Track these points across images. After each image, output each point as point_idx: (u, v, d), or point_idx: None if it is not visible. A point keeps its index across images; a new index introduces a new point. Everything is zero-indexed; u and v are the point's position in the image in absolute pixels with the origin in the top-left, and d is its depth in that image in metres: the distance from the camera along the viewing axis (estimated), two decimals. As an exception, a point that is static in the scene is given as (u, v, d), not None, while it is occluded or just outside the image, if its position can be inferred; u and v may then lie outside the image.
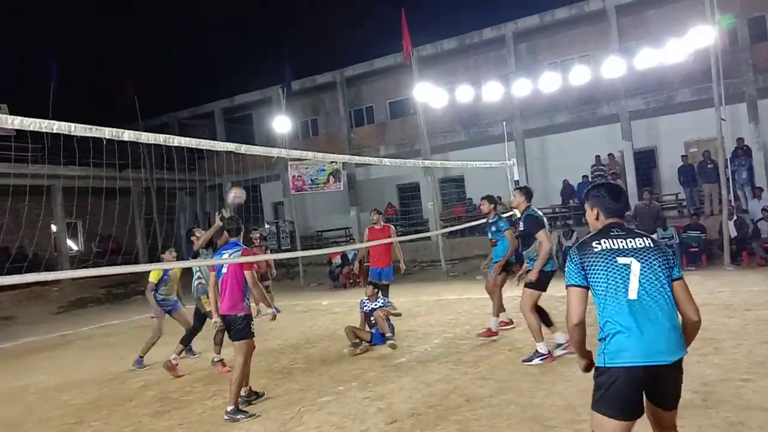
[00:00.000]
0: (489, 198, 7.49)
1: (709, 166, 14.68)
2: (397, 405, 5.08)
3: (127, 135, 4.17)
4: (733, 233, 12.41)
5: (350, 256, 16.52)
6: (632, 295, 2.59)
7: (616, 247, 2.68)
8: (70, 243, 22.17)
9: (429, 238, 17.33)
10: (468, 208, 19.86)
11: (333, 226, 22.71)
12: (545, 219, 6.32)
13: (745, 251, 12.29)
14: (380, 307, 7.62)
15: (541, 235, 6.02)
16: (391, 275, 8.76)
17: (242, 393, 5.46)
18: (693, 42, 11.99)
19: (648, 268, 2.62)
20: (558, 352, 6.04)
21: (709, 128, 13.24)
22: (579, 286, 2.70)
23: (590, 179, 17.06)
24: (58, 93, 20.88)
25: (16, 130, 5.42)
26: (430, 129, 18.10)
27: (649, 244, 2.70)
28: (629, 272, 2.61)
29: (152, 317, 7.80)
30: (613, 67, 13.05)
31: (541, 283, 6.07)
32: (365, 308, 7.76)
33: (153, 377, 7.18)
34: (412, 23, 17.47)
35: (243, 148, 5.04)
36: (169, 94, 26.29)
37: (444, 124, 19.71)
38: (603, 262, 2.65)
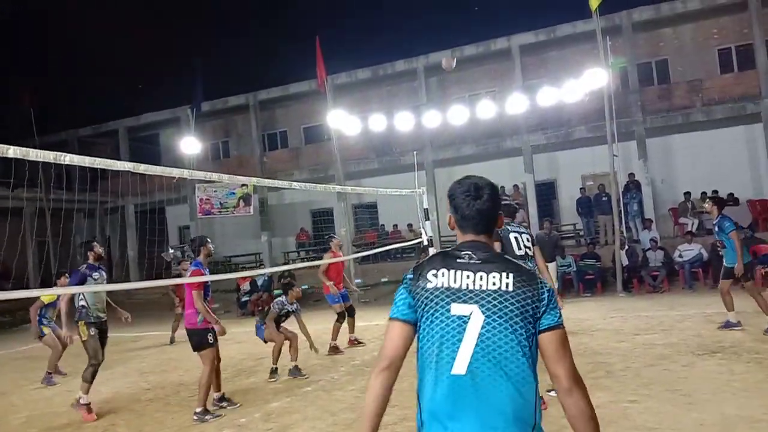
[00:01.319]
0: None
1: (604, 198, 15.71)
2: (300, 436, 4.98)
3: (13, 151, 3.87)
4: (625, 262, 13.30)
5: (259, 282, 16.14)
6: (459, 368, 1.76)
7: (456, 285, 1.84)
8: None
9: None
10: (380, 233, 20.03)
11: (243, 252, 22.17)
12: (514, 235, 5.25)
13: (636, 279, 13.17)
14: (295, 312, 7.58)
15: None
16: None
17: (215, 396, 6.05)
18: (589, 83, 12.96)
19: (495, 324, 1.78)
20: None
21: (604, 163, 14.19)
22: (404, 321, 1.89)
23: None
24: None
25: None
26: (344, 155, 18.22)
27: (505, 286, 1.81)
28: (464, 330, 1.79)
29: (42, 336, 8.09)
30: (517, 104, 13.78)
31: None
32: (287, 308, 7.52)
33: (37, 412, 6.64)
34: (327, 51, 17.63)
35: (142, 168, 4.83)
36: (70, 110, 24.89)
37: (358, 151, 19.89)
38: (433, 308, 1.84)
